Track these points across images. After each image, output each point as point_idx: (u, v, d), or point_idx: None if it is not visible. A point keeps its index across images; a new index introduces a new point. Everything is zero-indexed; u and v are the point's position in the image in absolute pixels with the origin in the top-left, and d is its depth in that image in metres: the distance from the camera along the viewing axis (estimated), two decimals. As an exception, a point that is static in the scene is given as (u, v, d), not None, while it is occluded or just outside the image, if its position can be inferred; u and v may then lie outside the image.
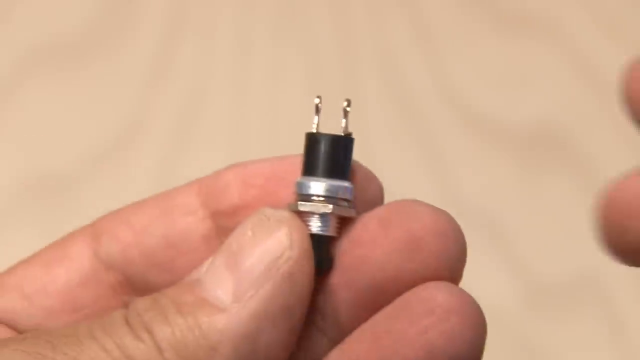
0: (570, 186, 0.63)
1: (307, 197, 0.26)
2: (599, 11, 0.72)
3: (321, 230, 0.26)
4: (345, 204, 0.27)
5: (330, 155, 0.27)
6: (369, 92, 0.68)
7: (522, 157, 0.64)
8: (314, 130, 0.27)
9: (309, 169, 0.27)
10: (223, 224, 0.29)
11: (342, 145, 0.26)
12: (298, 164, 0.29)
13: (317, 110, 0.27)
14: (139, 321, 0.26)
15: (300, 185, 0.27)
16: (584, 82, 0.69)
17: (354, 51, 0.70)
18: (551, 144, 0.65)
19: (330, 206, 0.26)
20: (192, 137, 0.65)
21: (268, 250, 0.26)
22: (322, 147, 0.26)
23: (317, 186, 0.26)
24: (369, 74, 0.69)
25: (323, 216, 0.26)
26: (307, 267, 0.25)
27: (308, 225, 0.26)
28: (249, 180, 0.30)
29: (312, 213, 0.26)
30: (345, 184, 0.27)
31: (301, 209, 0.26)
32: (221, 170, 0.31)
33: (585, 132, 0.66)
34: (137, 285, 0.30)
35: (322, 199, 0.26)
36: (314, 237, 0.26)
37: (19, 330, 0.30)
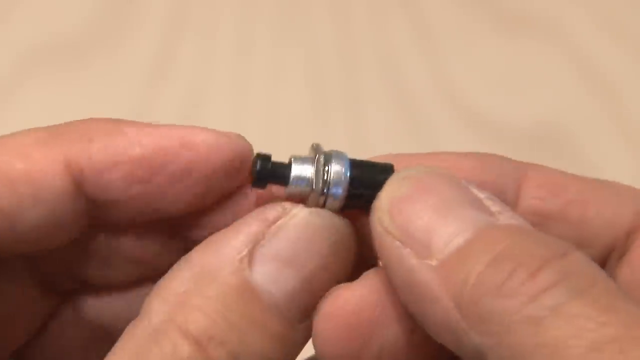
0: None
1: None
2: (599, 11, 0.73)
3: None
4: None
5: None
6: (369, 91, 0.68)
7: (522, 156, 0.64)
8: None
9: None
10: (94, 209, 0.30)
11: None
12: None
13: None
14: None
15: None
16: (584, 82, 0.69)
17: (354, 51, 0.71)
18: (551, 143, 0.65)
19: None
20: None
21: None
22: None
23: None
24: (369, 74, 0.69)
25: None
26: None
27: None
28: (134, 173, 0.30)
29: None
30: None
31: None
32: (92, 148, 0.30)
33: (585, 131, 0.66)
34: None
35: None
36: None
37: None
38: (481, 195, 0.29)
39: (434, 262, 0.27)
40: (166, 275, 0.30)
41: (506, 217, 0.28)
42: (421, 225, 0.28)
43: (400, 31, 0.72)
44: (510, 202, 0.31)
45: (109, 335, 0.33)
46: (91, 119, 0.31)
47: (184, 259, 0.30)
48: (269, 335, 0.29)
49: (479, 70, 0.70)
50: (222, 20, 0.72)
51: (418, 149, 0.65)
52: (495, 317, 0.26)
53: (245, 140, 0.31)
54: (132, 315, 0.31)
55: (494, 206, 0.29)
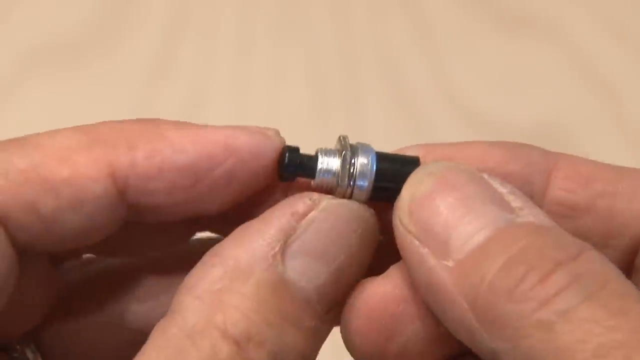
0: None
1: None
2: (599, 11, 0.73)
3: None
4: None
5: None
6: (369, 91, 0.68)
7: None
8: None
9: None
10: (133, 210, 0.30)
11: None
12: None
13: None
14: None
15: None
16: (584, 82, 0.69)
17: (354, 51, 0.71)
18: (551, 143, 0.64)
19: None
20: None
21: None
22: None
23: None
24: (369, 74, 0.69)
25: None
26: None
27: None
28: (178, 181, 0.30)
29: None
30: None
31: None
32: (136, 157, 0.30)
33: (585, 131, 0.66)
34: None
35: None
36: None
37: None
38: (503, 189, 0.29)
39: (450, 263, 0.27)
40: (196, 271, 0.30)
41: (526, 214, 0.28)
42: (439, 225, 0.28)
43: (400, 31, 0.72)
44: (538, 193, 0.31)
45: (122, 320, 0.33)
46: (130, 121, 0.31)
47: (213, 252, 0.30)
48: (304, 331, 0.29)
49: (479, 70, 0.70)
50: (222, 20, 0.72)
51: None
52: (508, 321, 0.26)
53: (281, 137, 0.32)
54: (147, 298, 0.32)
55: (516, 201, 0.29)
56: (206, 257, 0.30)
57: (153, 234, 0.34)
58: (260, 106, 0.67)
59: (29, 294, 0.32)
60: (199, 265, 0.30)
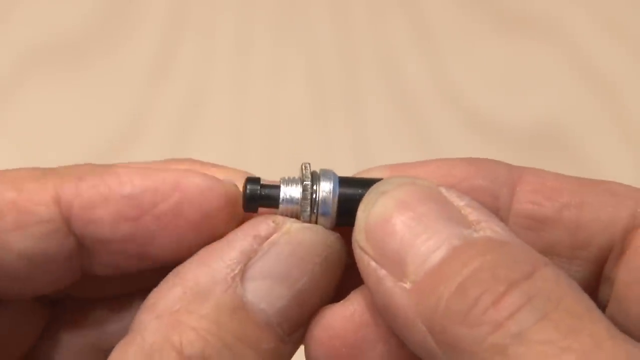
0: None
1: None
2: (600, 11, 0.73)
3: None
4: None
5: None
6: (369, 91, 0.68)
7: (522, 156, 0.64)
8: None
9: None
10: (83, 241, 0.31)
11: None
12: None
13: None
14: None
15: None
16: (585, 83, 0.69)
17: (354, 51, 0.70)
18: (552, 143, 0.65)
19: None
20: (192, 136, 0.65)
21: None
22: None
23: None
24: (369, 74, 0.69)
25: None
26: None
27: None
28: (123, 211, 0.30)
29: None
30: None
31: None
32: (82, 185, 0.30)
33: (585, 132, 0.66)
34: None
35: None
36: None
37: None
38: (460, 202, 0.29)
39: (407, 285, 0.27)
40: (157, 291, 0.30)
41: (483, 227, 0.28)
42: (395, 245, 0.28)
43: (400, 31, 0.72)
44: (504, 206, 0.31)
45: (100, 348, 0.33)
46: (88, 164, 0.32)
47: (174, 272, 0.30)
48: (262, 353, 0.29)
49: (478, 70, 0.70)
50: (222, 20, 0.72)
51: (418, 148, 0.65)
52: (464, 345, 0.26)
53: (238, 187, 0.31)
54: (121, 326, 0.32)
55: (473, 214, 0.29)
56: (168, 277, 0.30)
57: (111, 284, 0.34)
58: (260, 106, 0.67)
59: (6, 334, 0.32)
60: (160, 284, 0.30)
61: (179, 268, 0.30)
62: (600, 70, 0.69)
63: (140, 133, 0.65)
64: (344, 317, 0.30)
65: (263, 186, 0.31)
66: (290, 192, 0.31)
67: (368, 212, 0.29)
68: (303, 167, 0.31)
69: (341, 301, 0.30)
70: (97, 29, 0.71)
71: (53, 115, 0.66)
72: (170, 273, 0.30)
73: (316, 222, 0.31)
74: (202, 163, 0.32)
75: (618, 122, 0.67)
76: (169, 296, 0.29)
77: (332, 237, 0.31)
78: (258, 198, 0.31)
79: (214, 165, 0.32)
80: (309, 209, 0.31)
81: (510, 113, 0.67)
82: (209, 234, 0.31)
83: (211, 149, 0.64)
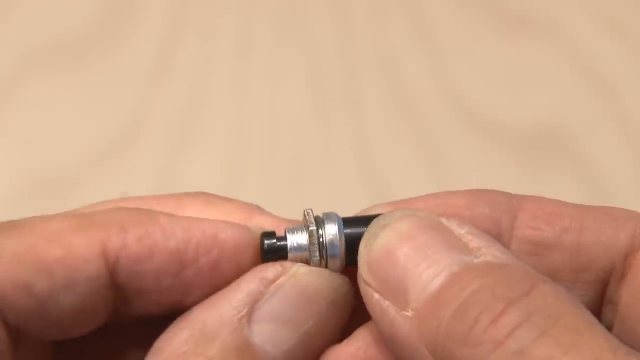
0: (571, 186, 0.63)
1: None
2: (600, 12, 0.73)
3: None
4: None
5: None
6: (369, 91, 0.68)
7: (523, 157, 0.65)
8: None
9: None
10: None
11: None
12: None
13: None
14: None
15: None
16: (585, 83, 0.68)
17: (354, 51, 0.70)
18: (553, 144, 0.65)
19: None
20: (193, 137, 0.65)
21: None
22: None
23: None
24: (369, 74, 0.69)
25: None
26: None
27: None
28: (166, 265, 0.31)
29: None
30: None
31: None
32: (128, 238, 0.30)
33: (586, 132, 0.66)
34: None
35: None
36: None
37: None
38: (461, 230, 0.29)
39: (410, 313, 0.28)
40: (165, 334, 0.30)
41: (484, 253, 0.28)
42: (397, 276, 0.28)
43: (400, 31, 0.72)
44: (506, 233, 0.32)
45: None
46: (125, 208, 0.31)
47: (183, 316, 0.30)
48: None
49: (479, 70, 0.70)
50: (222, 20, 0.72)
51: (419, 149, 0.65)
52: None
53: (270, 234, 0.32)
54: None
55: (473, 241, 0.29)
56: (176, 321, 0.30)
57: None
58: (261, 106, 0.67)
59: None
60: (169, 328, 0.30)
61: (187, 313, 0.30)
62: (601, 70, 0.69)
63: (140, 133, 0.65)
64: (349, 354, 0.30)
65: (278, 238, 0.32)
66: (297, 239, 0.32)
67: (370, 246, 0.29)
68: (306, 213, 0.32)
69: (346, 339, 0.31)
70: (97, 29, 0.71)
71: (53, 115, 0.66)
72: (181, 316, 0.30)
73: (326, 266, 0.31)
74: (215, 197, 0.33)
75: (619, 122, 0.67)
76: (176, 339, 0.30)
77: (338, 280, 0.31)
78: (276, 250, 0.32)
79: (228, 201, 0.33)
80: (317, 254, 0.31)
81: (510, 113, 0.67)
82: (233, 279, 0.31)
83: (211, 149, 0.64)
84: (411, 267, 0.28)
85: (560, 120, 0.67)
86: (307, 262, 0.31)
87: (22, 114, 0.66)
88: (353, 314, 0.31)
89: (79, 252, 0.29)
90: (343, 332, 0.31)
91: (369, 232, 0.30)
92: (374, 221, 0.30)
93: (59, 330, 0.30)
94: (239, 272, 0.31)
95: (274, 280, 0.30)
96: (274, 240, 0.32)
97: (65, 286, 0.29)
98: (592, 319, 0.26)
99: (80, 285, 0.29)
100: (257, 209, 0.33)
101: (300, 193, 0.61)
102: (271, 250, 0.31)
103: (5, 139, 0.65)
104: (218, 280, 0.31)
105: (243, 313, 0.30)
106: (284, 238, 0.32)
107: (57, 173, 0.62)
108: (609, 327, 0.31)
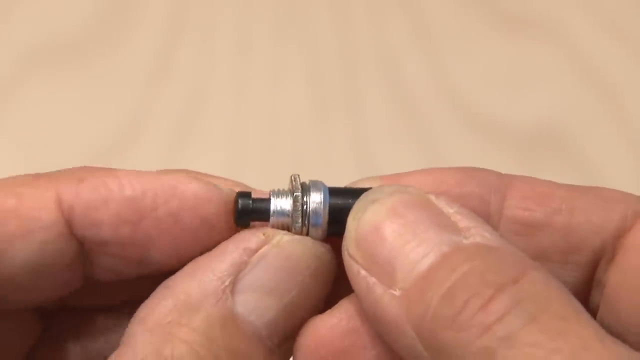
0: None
1: None
2: (600, 12, 0.73)
3: None
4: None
5: None
6: (369, 91, 0.68)
7: (522, 156, 0.65)
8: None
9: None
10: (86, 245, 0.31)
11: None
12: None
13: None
14: None
15: None
16: (585, 83, 0.69)
17: (354, 51, 0.71)
18: (551, 143, 0.65)
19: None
20: (192, 136, 0.65)
21: None
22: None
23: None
24: (369, 73, 0.69)
25: None
26: None
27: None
28: (123, 214, 0.30)
29: None
30: None
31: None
32: (82, 187, 0.30)
33: (585, 132, 0.66)
34: None
35: None
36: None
37: None
38: (450, 209, 0.29)
39: (397, 292, 0.28)
40: (148, 303, 0.30)
41: (473, 234, 0.28)
42: (385, 253, 0.28)
43: (400, 31, 0.72)
44: (495, 212, 0.31)
45: (100, 358, 0.33)
46: (85, 166, 0.32)
47: (164, 285, 0.30)
48: None
49: (478, 70, 0.70)
50: (222, 20, 0.72)
51: (418, 148, 0.65)
52: (453, 350, 0.26)
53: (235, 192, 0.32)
54: (115, 336, 0.32)
55: (463, 221, 0.29)
56: (158, 290, 0.30)
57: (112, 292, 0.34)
58: (260, 106, 0.67)
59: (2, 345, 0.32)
60: (151, 297, 0.30)
61: (170, 280, 0.30)
62: (601, 70, 0.69)
63: (140, 133, 0.65)
64: (331, 325, 0.30)
65: (254, 200, 0.31)
66: (281, 204, 0.31)
67: (358, 221, 0.29)
68: (292, 179, 0.32)
69: (328, 310, 0.31)
70: (97, 29, 0.71)
71: (53, 115, 0.66)
72: (161, 285, 0.30)
73: (307, 234, 0.31)
74: (197, 173, 0.32)
75: (618, 123, 0.67)
76: (159, 309, 0.29)
77: (322, 249, 0.31)
78: (250, 212, 0.31)
79: (210, 177, 0.32)
80: (300, 220, 0.31)
81: (510, 113, 0.67)
82: (207, 242, 0.31)
83: (211, 149, 0.64)
84: (399, 244, 0.28)
85: (560, 119, 0.67)
86: (288, 228, 0.31)
87: (22, 113, 0.66)
88: (336, 284, 0.31)
89: (31, 202, 0.29)
90: (325, 302, 0.31)
91: (357, 206, 0.30)
92: (363, 195, 0.30)
93: (27, 290, 0.30)
94: (203, 227, 0.31)
95: (257, 250, 0.30)
96: (249, 201, 0.31)
97: (20, 237, 0.29)
98: (580, 307, 0.26)
99: (36, 234, 0.29)
100: (242, 185, 0.33)
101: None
102: (245, 211, 0.31)
103: (5, 138, 0.65)
104: (181, 234, 0.31)
105: (227, 283, 0.29)
106: (262, 200, 0.31)
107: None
108: (597, 309, 0.31)
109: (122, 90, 0.67)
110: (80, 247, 0.30)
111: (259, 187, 0.32)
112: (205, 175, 0.32)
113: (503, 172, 0.33)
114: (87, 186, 0.30)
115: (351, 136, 0.65)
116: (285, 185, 0.32)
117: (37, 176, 0.31)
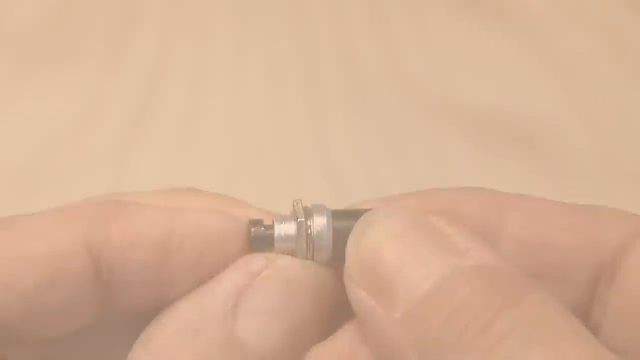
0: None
1: None
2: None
3: None
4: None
5: None
6: (369, 92, 0.67)
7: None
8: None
9: None
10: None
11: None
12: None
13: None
14: None
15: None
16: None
17: (352, 54, 0.70)
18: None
19: None
20: (192, 136, 0.65)
21: None
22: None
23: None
24: (369, 73, 0.68)
25: None
26: None
27: None
28: (150, 257, 0.30)
29: None
30: None
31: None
32: (111, 230, 0.30)
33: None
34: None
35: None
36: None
37: None
38: (450, 231, 0.29)
39: (398, 315, 0.27)
40: (151, 328, 0.30)
41: (474, 255, 0.28)
42: (385, 276, 0.28)
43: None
44: (495, 232, 0.31)
45: None
46: (108, 200, 0.31)
47: (169, 310, 0.30)
48: None
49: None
50: (218, 23, 0.71)
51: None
52: None
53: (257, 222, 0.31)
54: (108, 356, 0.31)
55: (463, 242, 0.28)
56: (162, 314, 0.30)
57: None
58: (258, 109, 0.66)
59: None
60: (154, 322, 0.30)
61: (173, 306, 0.30)
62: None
63: (140, 133, 0.64)
64: (332, 352, 0.30)
65: (266, 227, 0.31)
66: (285, 230, 0.31)
67: (358, 243, 0.29)
68: (295, 204, 0.32)
69: (332, 336, 0.31)
70: (96, 28, 0.71)
71: (52, 115, 0.65)
72: (166, 310, 0.30)
73: (313, 258, 0.31)
74: (203, 192, 0.32)
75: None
76: (162, 333, 0.29)
77: (324, 274, 0.31)
78: (262, 239, 0.31)
79: (215, 195, 0.32)
80: (305, 245, 0.31)
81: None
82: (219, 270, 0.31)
83: (211, 149, 0.64)
84: (399, 267, 0.28)
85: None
86: (294, 253, 0.31)
87: (21, 114, 0.65)
88: (339, 309, 0.31)
89: (62, 247, 0.29)
90: (328, 327, 0.31)
91: (357, 229, 0.30)
92: (363, 218, 0.30)
93: (46, 329, 0.30)
94: (226, 262, 0.31)
95: (259, 273, 0.30)
96: (262, 228, 0.31)
97: (50, 283, 0.29)
98: (581, 327, 0.26)
99: (66, 282, 0.29)
100: (245, 203, 0.33)
101: (299, 192, 0.57)
102: (258, 239, 0.31)
103: (6, 138, 0.64)
104: (204, 271, 0.30)
105: (228, 307, 0.29)
106: (272, 227, 0.31)
107: (55, 173, 0.60)
108: (599, 328, 0.31)
109: (122, 90, 0.67)
110: (106, 289, 0.30)
111: (258, 188, 0.32)
112: (211, 194, 0.32)
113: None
114: (117, 229, 0.30)
115: (351, 136, 0.64)
116: (279, 196, 0.32)
117: (64, 215, 0.30)
